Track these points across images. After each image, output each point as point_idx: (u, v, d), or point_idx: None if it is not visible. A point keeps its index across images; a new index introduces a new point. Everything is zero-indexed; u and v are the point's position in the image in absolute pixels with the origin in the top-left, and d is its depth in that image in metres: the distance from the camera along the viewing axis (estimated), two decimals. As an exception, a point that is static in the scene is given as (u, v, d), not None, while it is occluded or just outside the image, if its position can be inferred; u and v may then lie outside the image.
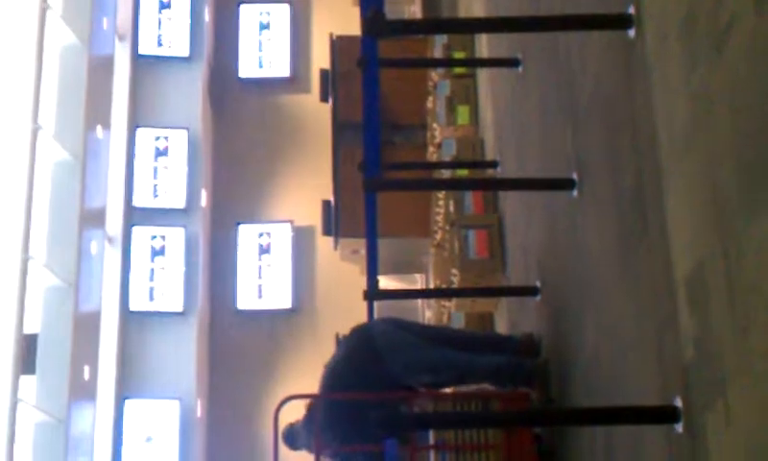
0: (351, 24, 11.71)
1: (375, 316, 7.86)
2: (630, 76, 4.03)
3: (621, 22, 4.02)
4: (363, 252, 10.46)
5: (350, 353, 6.25)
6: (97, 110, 12.67)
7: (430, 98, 10.15)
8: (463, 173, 8.84)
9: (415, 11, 13.82)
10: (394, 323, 6.35)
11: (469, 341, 6.38)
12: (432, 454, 5.63)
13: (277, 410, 6.06)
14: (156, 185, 14.27)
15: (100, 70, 12.84)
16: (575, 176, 5.01)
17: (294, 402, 6.18)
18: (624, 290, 4.20)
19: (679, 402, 3.50)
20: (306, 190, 14.58)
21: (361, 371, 6.13)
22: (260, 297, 14.49)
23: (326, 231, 13.23)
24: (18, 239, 10.79)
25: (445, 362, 6.07)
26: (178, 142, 14.34)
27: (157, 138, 14.37)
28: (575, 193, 5.01)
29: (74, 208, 11.79)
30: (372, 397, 6.06)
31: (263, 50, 15.60)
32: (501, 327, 8.05)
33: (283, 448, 6.35)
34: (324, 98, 13.93)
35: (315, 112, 14.75)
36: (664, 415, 3.56)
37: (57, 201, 11.76)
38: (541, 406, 5.69)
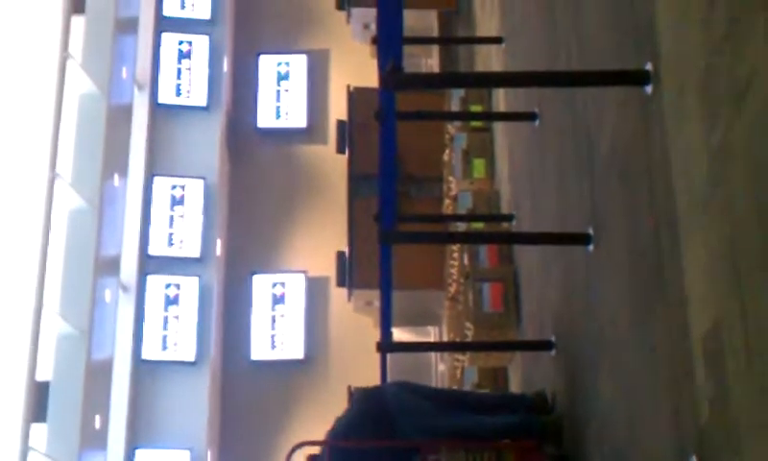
0: (369, 76, 11.76)
1: (388, 368, 7.82)
2: (647, 132, 4.02)
3: (638, 78, 4.02)
4: (377, 303, 10.44)
5: (363, 416, 6.23)
6: (114, 159, 12.71)
7: (447, 151, 10.16)
8: (478, 226, 8.83)
9: (432, 64, 13.88)
10: (406, 387, 6.35)
11: (481, 403, 6.36)
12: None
13: (288, 457, 6.05)
14: (171, 234, 14.28)
15: (118, 119, 12.90)
16: (591, 231, 4.99)
17: (305, 450, 6.15)
18: (640, 347, 4.16)
19: (695, 462, 3.46)
20: (321, 241, 14.58)
21: (373, 434, 6.12)
22: (273, 347, 14.44)
23: (340, 283, 13.21)
24: (33, 287, 10.80)
25: (458, 428, 6.05)
26: (194, 191, 14.36)
27: (174, 187, 14.40)
28: (591, 248, 4.99)
29: (89, 256, 11.80)
30: (384, 445, 6.05)
31: (281, 100, 15.66)
32: (515, 381, 8.00)
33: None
34: (340, 149, 13.98)
35: (331, 163, 14.79)
36: (680, 475, 3.52)
37: (72, 248, 11.77)
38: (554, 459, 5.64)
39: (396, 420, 6.10)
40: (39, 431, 10.84)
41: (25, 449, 10.20)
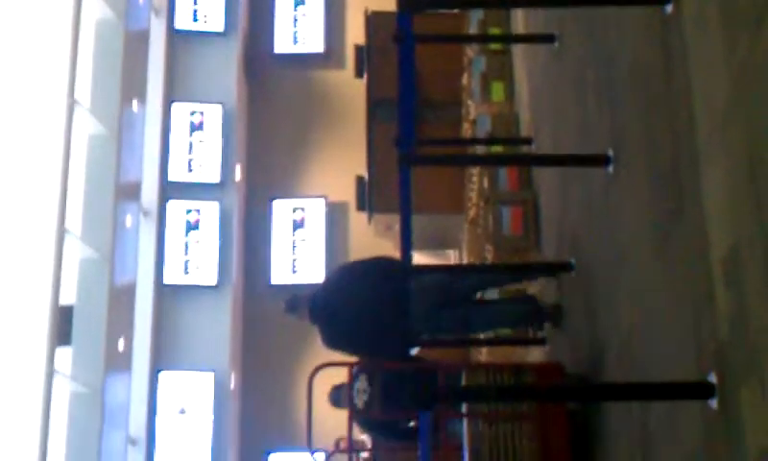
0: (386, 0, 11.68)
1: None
2: (667, 52, 4.02)
3: (659, -2, 4.01)
4: (397, 227, 10.46)
5: (380, 304, 6.45)
6: (133, 85, 12.72)
7: (465, 74, 10.13)
8: (497, 149, 8.82)
9: (450, -14, 13.77)
10: (438, 284, 6.59)
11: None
12: (465, 422, 5.67)
13: (311, 377, 6.16)
14: (190, 160, 14.33)
15: (135, 45, 12.88)
16: (611, 152, 5.00)
17: (327, 371, 6.25)
18: (660, 268, 4.20)
19: (714, 379, 3.51)
20: (340, 166, 14.59)
21: (388, 312, 6.40)
22: (294, 272, 14.54)
23: (360, 207, 13.22)
24: (54, 212, 10.88)
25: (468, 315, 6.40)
26: (213, 117, 14.37)
27: (193, 113, 14.40)
28: (610, 169, 5.00)
29: (109, 182, 11.87)
30: (405, 366, 6.19)
31: (298, 25, 15.60)
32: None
33: (316, 418, 6.44)
34: (358, 74, 13.92)
35: (349, 88, 14.74)
36: (699, 391, 3.57)
37: (92, 174, 11.83)
38: (575, 381, 5.71)
39: (410, 319, 6.33)
40: (64, 355, 10.99)
41: (50, 372, 10.35)
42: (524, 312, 6.74)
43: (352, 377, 6.38)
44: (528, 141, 7.83)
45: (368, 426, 7.08)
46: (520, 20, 8.65)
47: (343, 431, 6.88)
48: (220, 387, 13.33)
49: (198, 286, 13.78)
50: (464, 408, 5.69)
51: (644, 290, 4.45)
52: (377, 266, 6.84)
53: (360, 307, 6.51)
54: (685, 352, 3.83)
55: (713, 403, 3.50)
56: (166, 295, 13.66)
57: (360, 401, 6.51)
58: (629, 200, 4.75)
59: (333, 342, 6.68)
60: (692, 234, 3.73)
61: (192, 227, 14.03)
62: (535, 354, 7.35)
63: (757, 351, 3.15)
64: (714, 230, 3.52)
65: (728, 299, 3.40)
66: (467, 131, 9.98)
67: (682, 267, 3.89)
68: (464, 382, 5.92)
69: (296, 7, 15.71)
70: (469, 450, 5.55)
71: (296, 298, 6.85)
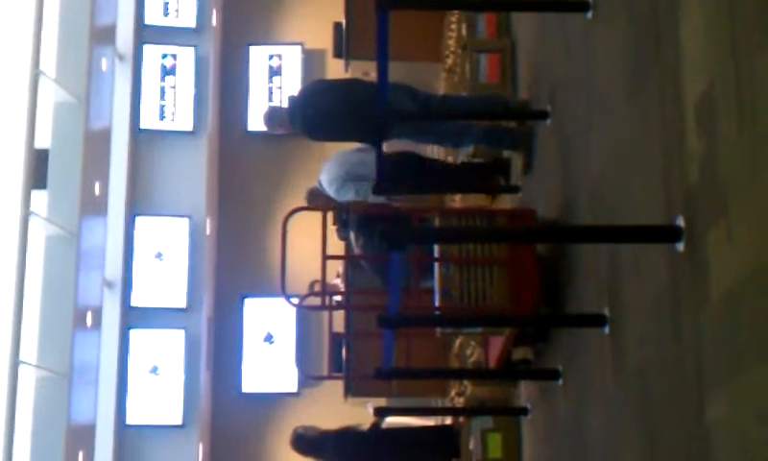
0: None
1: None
2: None
3: None
4: (373, 75, 10.41)
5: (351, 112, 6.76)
6: (107, -75, 12.46)
7: None
8: (476, -3, 8.73)
9: None
10: (407, 91, 6.93)
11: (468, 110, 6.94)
12: (436, 266, 5.73)
13: (285, 221, 6.21)
14: (166, 3, 14.12)
15: None
16: (590, -3, 4.97)
17: (301, 217, 6.30)
18: (634, 113, 4.21)
19: (681, 222, 3.55)
20: (318, 12, 14.39)
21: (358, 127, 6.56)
22: (270, 118, 14.47)
23: (337, 54, 13.10)
24: (28, 53, 10.74)
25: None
26: (189, -40, 14.15)
27: (168, -44, 14.17)
28: (589, 15, 4.97)
29: (84, 24, 11.69)
30: (382, 212, 6.23)
31: None
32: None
33: (291, 263, 6.51)
34: None
35: (328, -67, 14.49)
36: (667, 234, 3.62)
37: (66, 15, 11.65)
38: (546, 224, 5.77)
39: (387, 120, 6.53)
40: (40, 198, 10.99)
41: (26, 215, 10.37)
42: (497, 128, 6.89)
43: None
44: (508, -12, 7.74)
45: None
46: None
47: (317, 275, 6.96)
48: (195, 232, 13.38)
49: (174, 131, 13.72)
50: (435, 252, 5.76)
51: (617, 136, 4.48)
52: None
53: (334, 93, 6.94)
54: (655, 196, 3.88)
55: (680, 246, 3.55)
56: (142, 140, 13.61)
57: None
58: (606, 46, 4.73)
59: (313, 132, 7.12)
60: (667, 79, 3.74)
61: (168, 72, 13.90)
62: (508, 203, 7.40)
63: (725, 195, 3.19)
64: (689, 74, 3.53)
65: (699, 142, 3.43)
66: (446, -22, 9.86)
67: (655, 112, 3.91)
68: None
69: None
70: (440, 293, 5.63)
71: (274, 108, 7.21)
